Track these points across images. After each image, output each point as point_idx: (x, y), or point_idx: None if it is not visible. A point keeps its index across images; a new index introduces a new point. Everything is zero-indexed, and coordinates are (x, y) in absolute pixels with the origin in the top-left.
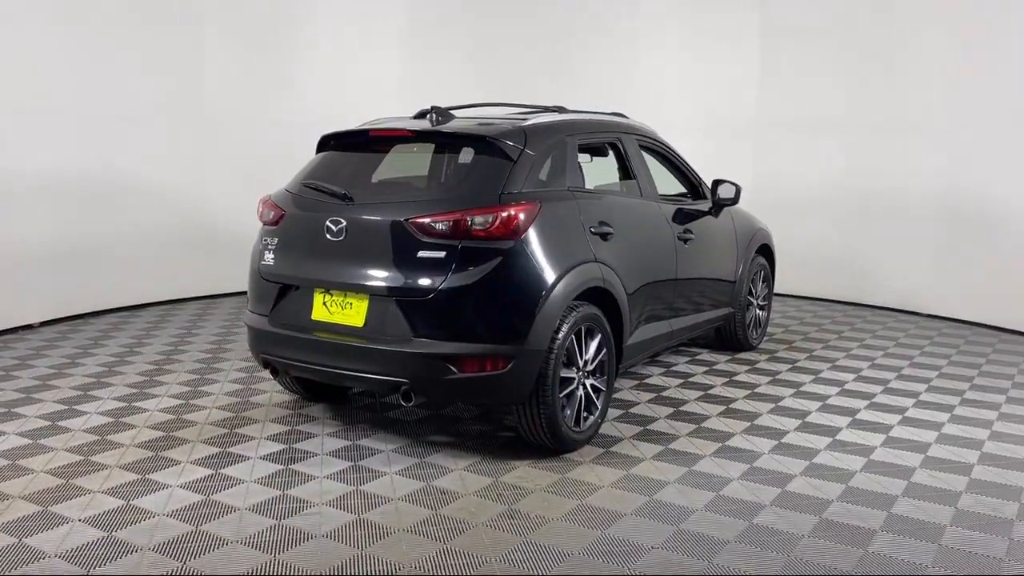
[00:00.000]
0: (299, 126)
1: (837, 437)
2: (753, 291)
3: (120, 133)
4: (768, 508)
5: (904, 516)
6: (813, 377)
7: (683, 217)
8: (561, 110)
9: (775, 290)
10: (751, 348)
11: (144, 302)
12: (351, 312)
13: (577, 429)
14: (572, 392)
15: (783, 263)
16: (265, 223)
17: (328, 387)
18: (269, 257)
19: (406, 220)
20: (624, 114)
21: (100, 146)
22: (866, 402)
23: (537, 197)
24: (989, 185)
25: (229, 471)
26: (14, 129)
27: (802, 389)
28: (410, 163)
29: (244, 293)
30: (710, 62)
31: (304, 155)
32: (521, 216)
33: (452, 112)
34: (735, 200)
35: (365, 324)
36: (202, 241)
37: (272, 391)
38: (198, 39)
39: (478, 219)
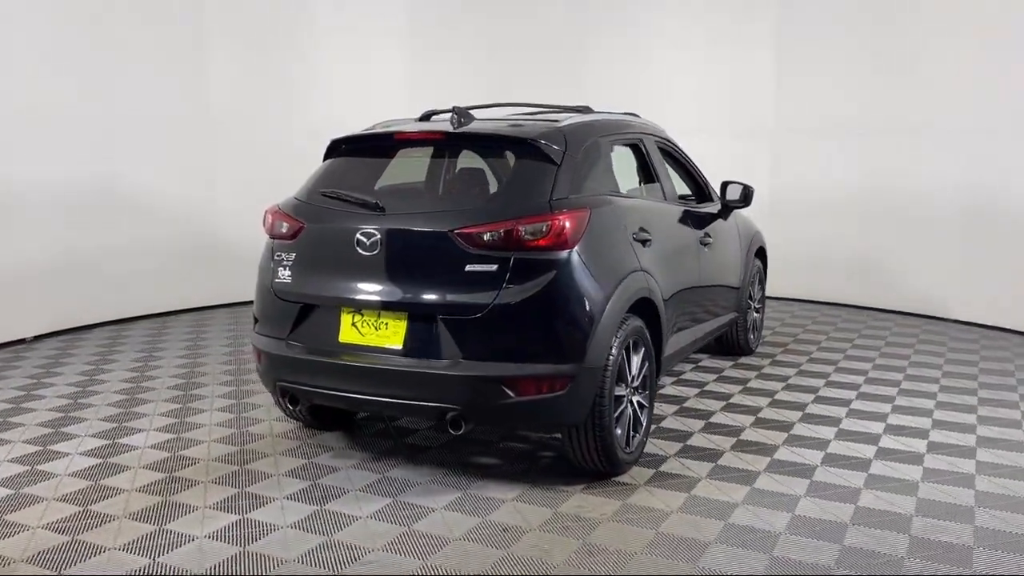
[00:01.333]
0: (303, 130)
1: (881, 444)
2: (752, 295)
3: (120, 138)
4: (852, 528)
5: (991, 529)
6: (824, 381)
7: (700, 221)
8: (587, 110)
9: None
10: (751, 352)
11: (143, 314)
12: (387, 333)
13: (627, 450)
14: (623, 411)
15: (798, 267)
16: (276, 236)
17: (339, 414)
18: (285, 274)
19: (452, 231)
20: (637, 114)
21: (98, 152)
22: (888, 405)
23: (584, 203)
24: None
25: (257, 515)
26: (5, 133)
27: (820, 394)
28: (420, 168)
29: (240, 305)
30: (723, 62)
31: (303, 158)
32: (574, 224)
33: (471, 113)
34: (747, 202)
35: (405, 346)
36: (204, 250)
37: (270, 419)
38: (198, 40)
39: (531, 228)
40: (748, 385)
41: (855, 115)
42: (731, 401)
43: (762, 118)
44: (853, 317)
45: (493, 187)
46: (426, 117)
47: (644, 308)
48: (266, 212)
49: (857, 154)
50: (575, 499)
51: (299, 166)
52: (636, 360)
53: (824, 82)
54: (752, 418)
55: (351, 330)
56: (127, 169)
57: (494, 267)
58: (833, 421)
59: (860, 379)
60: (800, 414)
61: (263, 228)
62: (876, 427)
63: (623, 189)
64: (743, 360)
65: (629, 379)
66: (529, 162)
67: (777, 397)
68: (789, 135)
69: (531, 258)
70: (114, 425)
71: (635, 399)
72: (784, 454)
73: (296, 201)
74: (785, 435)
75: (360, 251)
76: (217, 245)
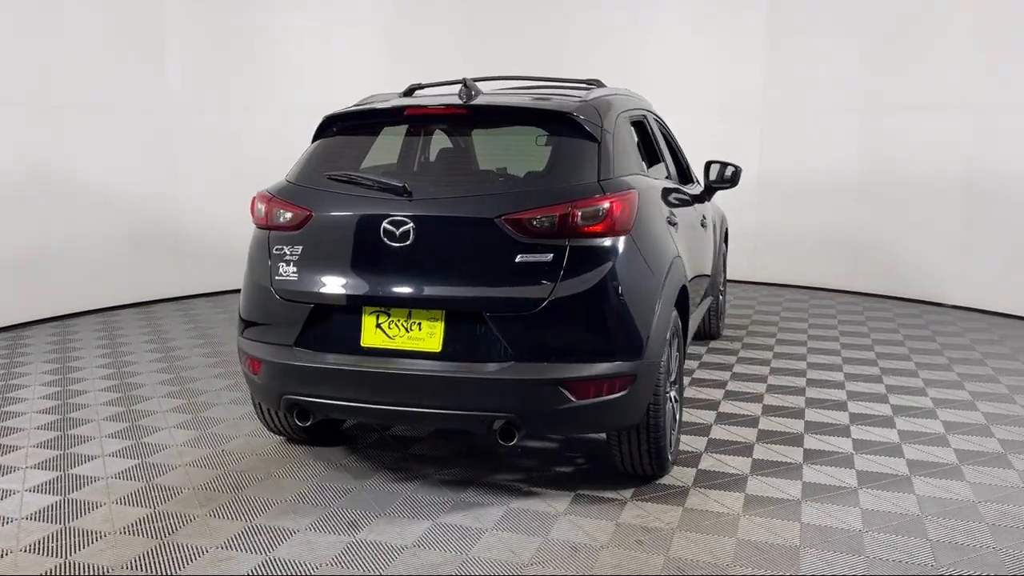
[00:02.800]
0: (270, 114)
1: (899, 427)
2: (723, 279)
3: (73, 124)
4: (928, 521)
5: None
6: (805, 363)
7: (696, 202)
8: (598, 84)
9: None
10: (719, 336)
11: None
12: (421, 335)
13: (671, 450)
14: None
15: (792, 251)
16: (274, 227)
17: (332, 426)
18: (289, 271)
19: (499, 217)
20: (601, 81)
21: (50, 139)
22: (881, 385)
23: (630, 184)
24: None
25: (283, 553)
26: None
27: (810, 377)
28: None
29: (201, 297)
30: (714, 37)
31: (271, 143)
32: (629, 207)
33: (478, 87)
34: (734, 183)
35: (443, 348)
36: (168, 240)
37: (242, 434)
38: (155, 20)
39: (588, 212)
40: (735, 371)
41: (852, 92)
42: (729, 389)
43: (751, 96)
44: (821, 301)
45: (527, 167)
46: (409, 92)
47: (680, 298)
48: (256, 199)
49: (855, 133)
50: (632, 508)
51: (268, 152)
52: (674, 353)
53: (817, 58)
54: (759, 405)
55: (376, 333)
56: (75, 157)
57: (549, 256)
58: (839, 404)
59: (837, 359)
60: (802, 399)
61: (252, 218)
62: (884, 408)
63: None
64: (715, 345)
65: (671, 374)
66: (569, 139)
67: (770, 383)
68: (779, 113)
69: (588, 245)
70: (56, 452)
71: (671, 394)
72: (813, 443)
73: (294, 186)
74: (801, 422)
75: (387, 242)
76: (178, 236)
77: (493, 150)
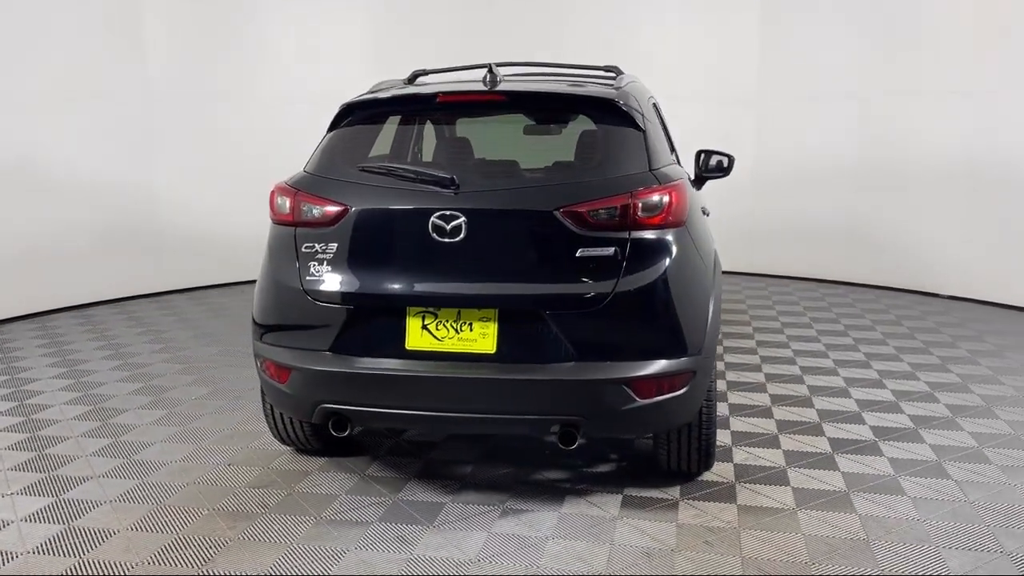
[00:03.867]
0: (254, 104)
1: (909, 412)
2: None
3: (48, 115)
4: (984, 510)
5: None
6: (792, 351)
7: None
8: (617, 71)
9: None
10: None
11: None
12: (472, 335)
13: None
14: None
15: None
16: (300, 223)
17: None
18: (322, 270)
19: (558, 209)
20: (619, 68)
21: (26, 131)
22: (873, 372)
23: (677, 174)
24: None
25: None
26: None
27: (802, 365)
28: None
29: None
30: (701, 24)
31: (255, 133)
32: (684, 198)
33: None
34: (727, 173)
35: (498, 349)
36: (146, 234)
37: (244, 447)
38: (135, 4)
39: (648, 203)
40: (727, 360)
41: (847, 78)
42: (728, 379)
43: (746, 83)
44: (803, 292)
45: (570, 157)
46: (413, 79)
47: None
48: (277, 192)
49: (853, 120)
50: (687, 508)
51: (249, 143)
52: None
53: (812, 43)
54: (765, 396)
55: (423, 335)
56: (51, 149)
57: (611, 250)
58: (841, 392)
59: (820, 345)
60: (804, 387)
61: (271, 213)
62: (886, 394)
63: None
64: None
65: None
66: (615, 128)
67: (766, 371)
68: (775, 100)
69: (648, 237)
70: (39, 475)
71: None
72: (834, 431)
73: (320, 178)
74: (813, 411)
75: (436, 237)
76: (156, 231)
77: (530, 139)
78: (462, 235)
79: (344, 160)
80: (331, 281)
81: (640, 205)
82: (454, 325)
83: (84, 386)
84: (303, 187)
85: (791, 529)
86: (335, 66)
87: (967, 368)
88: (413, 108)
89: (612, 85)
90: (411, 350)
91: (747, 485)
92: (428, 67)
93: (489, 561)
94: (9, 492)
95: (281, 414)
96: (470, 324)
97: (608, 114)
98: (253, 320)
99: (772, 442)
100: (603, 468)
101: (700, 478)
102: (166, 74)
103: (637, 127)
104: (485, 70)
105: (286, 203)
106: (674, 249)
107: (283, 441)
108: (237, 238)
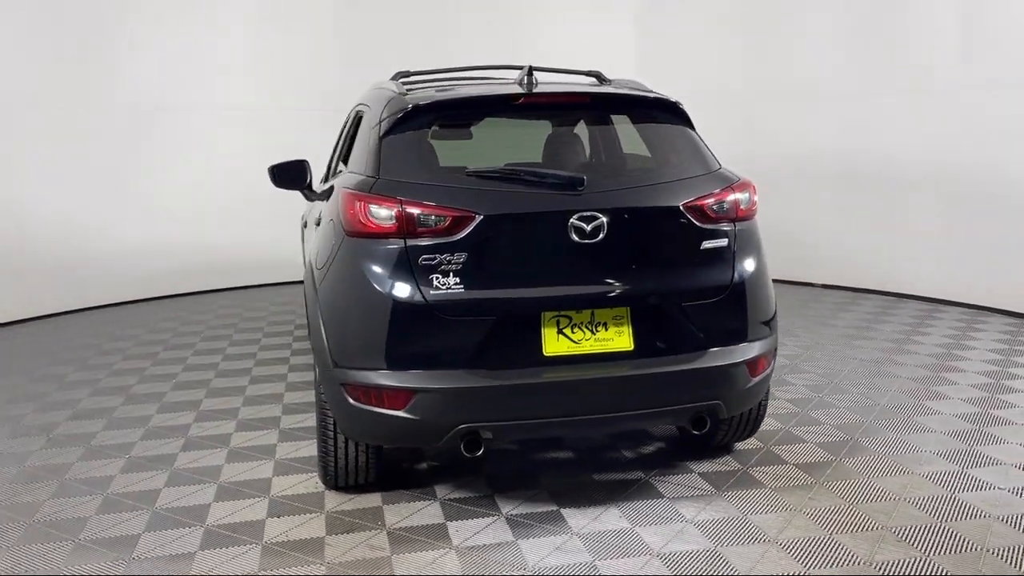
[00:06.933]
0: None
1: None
2: None
3: None
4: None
5: None
6: None
7: None
8: (600, 76)
9: None
10: None
11: None
12: (608, 335)
13: None
14: None
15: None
16: (415, 233)
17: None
18: (449, 282)
19: (684, 204)
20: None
21: None
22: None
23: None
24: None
25: None
26: None
27: None
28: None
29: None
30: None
31: (133, 139)
32: (755, 191)
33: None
34: None
35: (637, 346)
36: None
37: (302, 468)
38: None
39: (742, 197)
40: None
41: (825, 78)
42: None
43: (717, 81)
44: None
45: (667, 154)
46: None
47: None
48: (370, 203)
49: (738, 120)
50: (741, 498)
51: (129, 151)
52: None
53: (686, 44)
54: None
55: (559, 339)
56: None
57: (725, 241)
58: None
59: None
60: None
61: (360, 226)
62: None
63: None
64: None
65: None
66: (678, 127)
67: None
68: (757, 100)
69: (746, 228)
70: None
71: None
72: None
73: (416, 185)
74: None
75: (576, 239)
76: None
77: (594, 139)
78: (602, 235)
79: (422, 164)
80: (464, 293)
81: (740, 199)
82: (589, 326)
83: None
84: (409, 196)
85: (862, 500)
86: (206, 74)
87: None
88: (491, 110)
89: (641, 89)
90: (549, 356)
91: (776, 449)
92: (310, 68)
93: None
94: None
95: (345, 447)
96: (604, 324)
97: (669, 114)
98: (328, 349)
99: (785, 418)
100: (614, 466)
101: (736, 451)
102: (23, 79)
103: (692, 126)
104: (523, 73)
105: (389, 213)
106: (759, 238)
107: (335, 480)
108: None
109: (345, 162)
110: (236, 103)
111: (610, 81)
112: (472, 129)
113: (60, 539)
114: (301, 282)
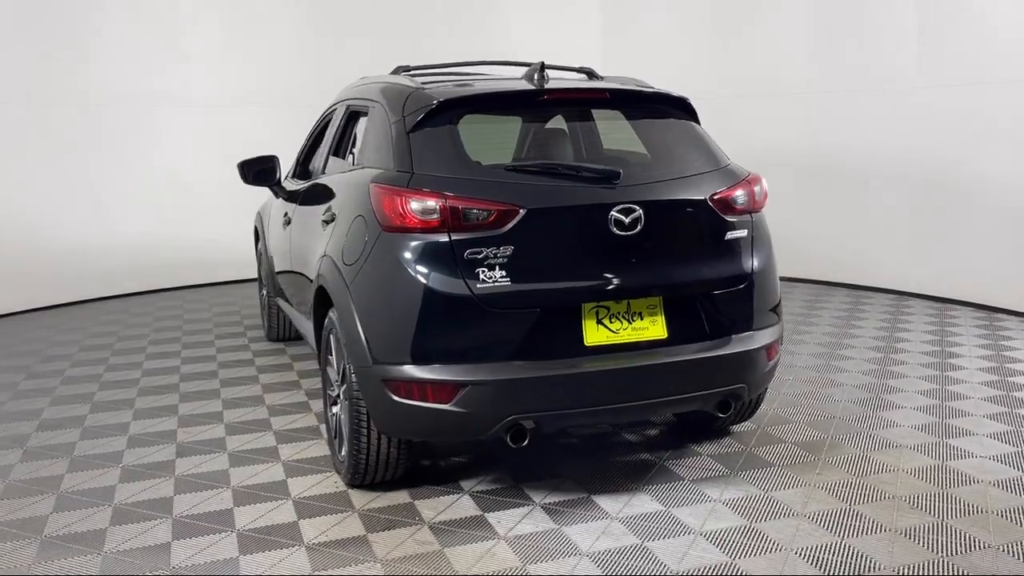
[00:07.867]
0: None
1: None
2: None
3: None
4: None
5: None
6: None
7: None
8: (592, 72)
9: None
10: None
11: None
12: (643, 324)
13: None
14: None
15: None
16: (461, 227)
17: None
18: (495, 275)
19: (710, 197)
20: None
21: None
22: None
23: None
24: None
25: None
26: None
27: None
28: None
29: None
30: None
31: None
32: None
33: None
34: None
35: (670, 334)
36: None
37: (326, 473)
38: None
39: (757, 190)
40: None
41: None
42: None
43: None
44: None
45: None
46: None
47: None
48: (408, 197)
49: (801, 116)
50: (756, 476)
51: (86, 146)
52: None
53: (649, 42)
54: None
55: (599, 329)
56: None
57: (744, 232)
58: None
59: None
60: None
61: (401, 220)
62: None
63: None
64: None
65: None
66: (687, 123)
67: None
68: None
69: (760, 220)
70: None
71: None
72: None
73: (456, 180)
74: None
75: (616, 231)
76: None
77: (610, 134)
78: (640, 227)
79: (456, 159)
80: (510, 286)
81: (756, 191)
82: (625, 316)
83: None
84: (452, 190)
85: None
86: (171, 68)
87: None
88: (511, 105)
89: (643, 86)
90: (590, 346)
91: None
92: (261, 59)
93: (701, 547)
94: None
95: (378, 443)
96: (640, 313)
97: (680, 111)
98: (367, 346)
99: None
100: (626, 457)
101: (737, 433)
102: None
103: (698, 122)
104: (534, 69)
105: (434, 206)
106: (768, 229)
107: (363, 477)
108: None
109: (337, 156)
110: (198, 100)
111: (602, 77)
112: (485, 125)
113: (84, 553)
114: (251, 280)
